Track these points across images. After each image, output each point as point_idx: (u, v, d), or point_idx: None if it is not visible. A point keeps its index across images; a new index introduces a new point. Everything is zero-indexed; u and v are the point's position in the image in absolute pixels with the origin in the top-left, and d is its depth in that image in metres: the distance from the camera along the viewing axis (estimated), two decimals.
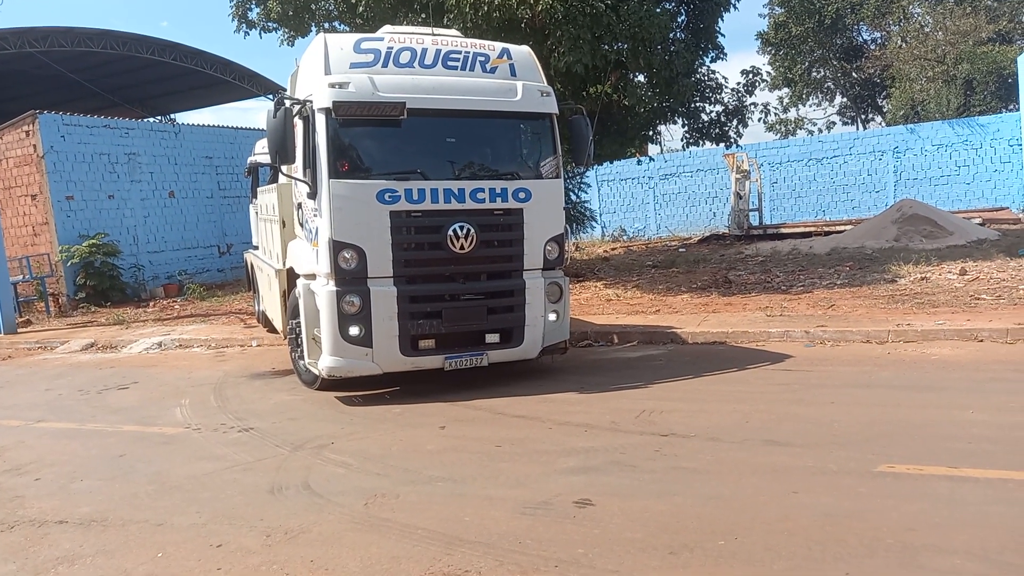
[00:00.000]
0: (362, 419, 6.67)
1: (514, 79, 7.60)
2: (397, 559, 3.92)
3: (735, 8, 14.88)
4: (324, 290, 6.95)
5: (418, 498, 4.75)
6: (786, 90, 36.15)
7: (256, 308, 12.80)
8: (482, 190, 7.25)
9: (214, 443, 6.28)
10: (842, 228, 19.30)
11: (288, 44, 16.79)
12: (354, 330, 6.91)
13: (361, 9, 15.66)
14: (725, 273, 14.03)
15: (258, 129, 23.09)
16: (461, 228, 7.06)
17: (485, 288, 7.38)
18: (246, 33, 15.92)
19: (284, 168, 7.20)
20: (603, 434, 5.79)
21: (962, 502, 4.19)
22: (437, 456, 5.56)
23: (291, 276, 8.21)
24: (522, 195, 7.40)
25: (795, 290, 11.97)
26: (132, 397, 8.36)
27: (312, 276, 7.31)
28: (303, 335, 7.40)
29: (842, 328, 8.88)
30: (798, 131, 35.96)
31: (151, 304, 16.97)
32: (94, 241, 17.06)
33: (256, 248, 12.78)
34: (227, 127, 21.73)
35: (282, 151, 6.90)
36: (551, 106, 7.65)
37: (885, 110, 35.06)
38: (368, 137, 7.22)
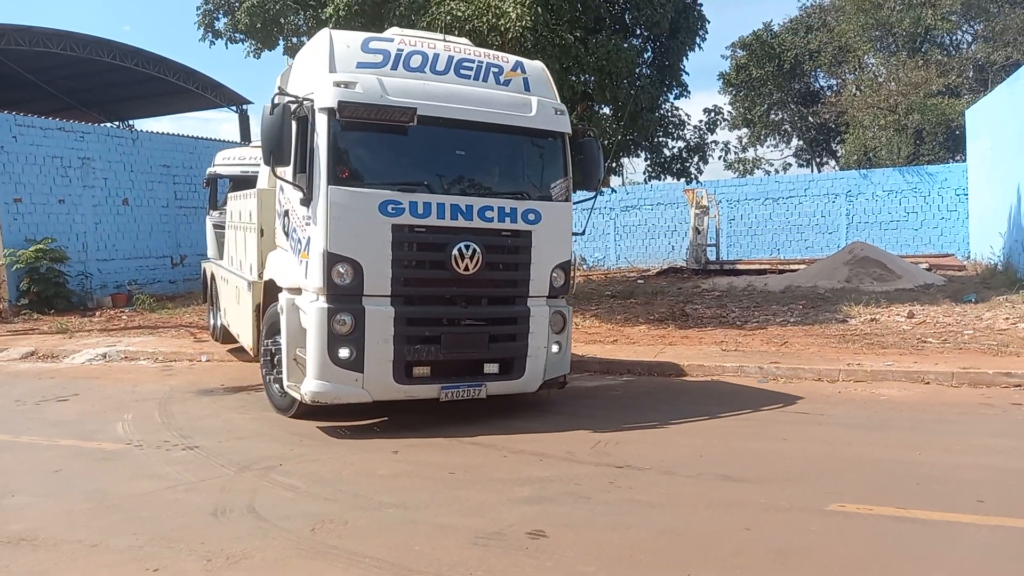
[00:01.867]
0: (312, 441, 6.50)
1: (528, 94, 7.17)
2: None
3: (700, 48, 15.23)
4: (313, 307, 6.37)
5: (368, 524, 4.63)
6: (745, 130, 37.06)
7: (211, 322, 12.34)
8: (491, 208, 6.78)
9: (156, 461, 6.05)
10: (796, 267, 19.73)
11: (255, 56, 16.65)
12: (344, 352, 6.33)
13: (332, 25, 15.63)
14: (682, 306, 14.19)
15: (219, 140, 22.77)
16: (467, 247, 6.56)
17: (488, 314, 6.89)
18: (212, 43, 15.74)
19: (278, 171, 6.59)
20: (558, 464, 5.74)
21: (910, 542, 4.24)
22: (389, 481, 5.44)
23: (269, 289, 7.69)
24: (531, 216, 6.96)
25: (750, 326, 12.15)
26: (72, 410, 8.04)
27: (297, 290, 6.77)
28: (283, 355, 6.83)
29: (795, 365, 9.02)
30: (755, 170, 36.84)
31: (97, 313, 16.43)
32: (41, 246, 16.49)
33: (218, 259, 12.46)
34: (187, 136, 21.38)
35: (277, 152, 6.38)
36: (565, 125, 7.27)
37: (839, 154, 36.14)
38: (372, 143, 6.68)
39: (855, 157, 31.60)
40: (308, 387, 6.42)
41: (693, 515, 4.69)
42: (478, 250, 6.61)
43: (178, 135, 21.22)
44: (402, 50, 6.77)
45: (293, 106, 6.48)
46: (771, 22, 35.43)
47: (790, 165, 38.25)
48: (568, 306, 7.38)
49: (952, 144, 28.13)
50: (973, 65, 30.52)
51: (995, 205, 18.53)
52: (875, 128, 29.94)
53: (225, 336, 11.08)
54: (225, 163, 14.64)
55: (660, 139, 16.18)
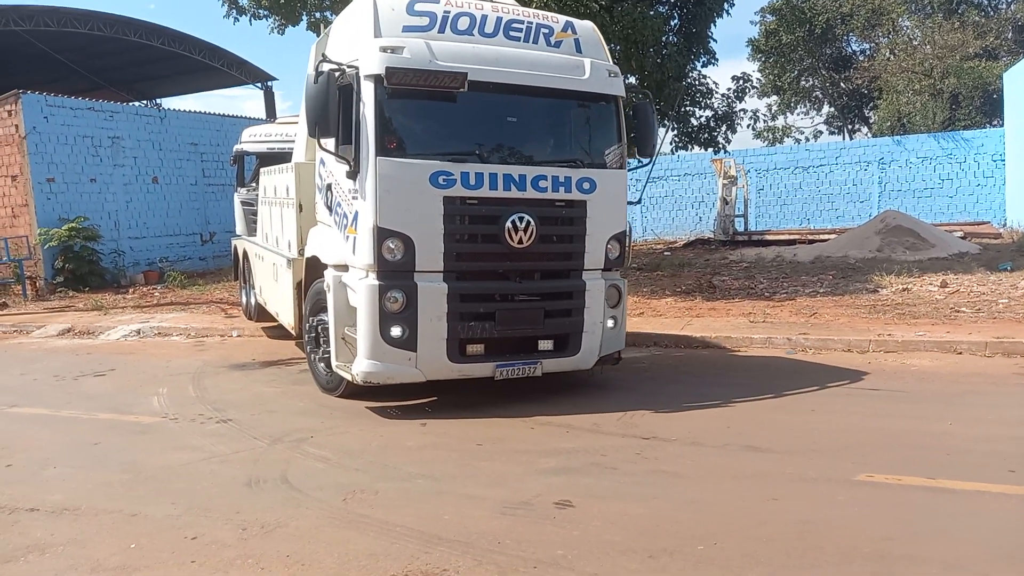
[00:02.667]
0: (341, 413, 6.60)
1: (580, 56, 6.83)
2: (375, 556, 3.88)
3: (728, 14, 14.94)
4: (363, 284, 6.15)
5: (397, 495, 4.71)
6: (775, 98, 36.40)
7: (243, 300, 12.15)
8: (544, 178, 6.49)
9: (191, 433, 6.20)
10: (826, 237, 19.44)
11: (279, 32, 16.66)
12: (396, 331, 6.12)
13: None
14: (709, 278, 14.08)
15: (244, 117, 22.90)
16: (520, 220, 6.30)
17: (542, 288, 6.66)
18: (236, 19, 15.79)
19: (323, 142, 6.30)
20: (584, 435, 5.78)
21: (939, 513, 4.22)
22: (417, 453, 5.52)
23: (311, 266, 7.40)
24: (586, 186, 6.65)
25: (778, 297, 12.03)
26: (108, 384, 8.25)
27: (344, 267, 6.55)
28: (331, 334, 6.58)
29: (824, 336, 8.93)
30: (785, 139, 36.20)
31: (130, 291, 16.76)
32: (74, 225, 16.82)
33: (248, 236, 12.56)
34: (214, 114, 21.52)
35: (323, 122, 6.14)
36: (619, 88, 6.92)
37: (872, 121, 35.38)
38: (421, 111, 6.41)
39: (888, 123, 30.91)
40: (359, 367, 6.23)
41: (719, 486, 4.71)
42: (532, 222, 6.36)
43: (205, 113, 21.38)
44: (449, 12, 6.46)
45: (337, 74, 6.17)
46: None
47: (821, 133, 37.59)
48: (623, 279, 7.19)
49: (989, 108, 27.35)
50: (1012, 26, 29.55)
51: None
52: (909, 93, 29.24)
53: (260, 314, 10.90)
54: (252, 140, 14.74)
55: (687, 108, 15.95)
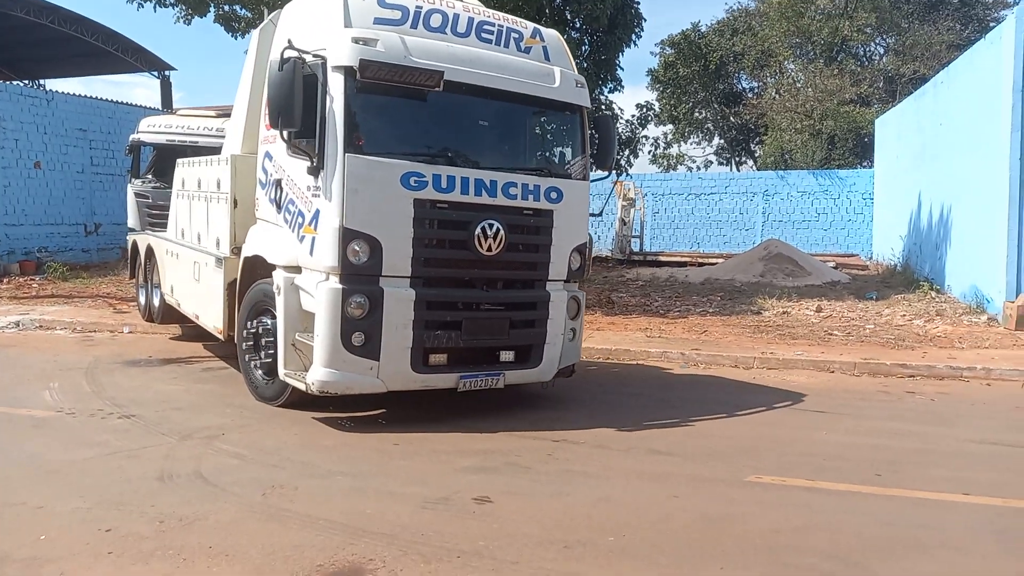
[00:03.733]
0: (253, 412, 6.54)
1: (549, 64, 6.77)
2: (300, 547, 3.94)
3: (635, 44, 15.68)
4: (323, 287, 5.80)
5: (318, 491, 4.77)
6: (670, 126, 38.13)
7: (141, 299, 11.19)
8: (514, 185, 6.34)
9: (92, 429, 5.99)
10: (714, 260, 20.60)
11: (184, 22, 16.14)
12: (358, 338, 5.80)
13: None
14: (608, 294, 14.67)
15: (142, 106, 21.90)
16: (490, 227, 6.14)
17: (509, 298, 6.51)
18: (140, 5, 15.19)
19: (285, 135, 5.93)
20: (498, 438, 6.00)
21: (819, 510, 4.70)
22: (334, 451, 5.57)
23: (250, 266, 6.98)
24: (554, 195, 6.56)
25: (672, 314, 12.71)
26: None
27: (296, 269, 6.20)
28: (280, 340, 6.21)
29: (714, 352, 9.56)
30: (679, 166, 37.96)
31: (4, 281, 15.68)
32: None
33: (141, 230, 12.03)
34: (107, 100, 20.49)
35: (287, 113, 5.76)
36: (586, 99, 6.89)
37: (757, 155, 37.66)
38: (391, 108, 6.16)
39: (772, 158, 33.01)
40: (316, 376, 5.84)
41: (626, 484, 5.04)
42: (501, 230, 6.19)
43: (97, 98, 20.34)
44: (421, 7, 6.28)
45: (301, 62, 5.81)
46: (699, 23, 36.53)
47: (711, 163, 39.62)
48: (582, 291, 7.16)
49: (861, 150, 29.77)
50: (883, 76, 32.30)
51: (897, 210, 19.82)
52: (792, 131, 31.34)
53: (165, 316, 10.18)
54: (151, 130, 14.17)
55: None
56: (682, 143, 38.62)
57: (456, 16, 6.42)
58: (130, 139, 14.53)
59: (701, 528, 4.35)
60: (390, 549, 3.95)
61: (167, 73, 23.72)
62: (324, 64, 5.84)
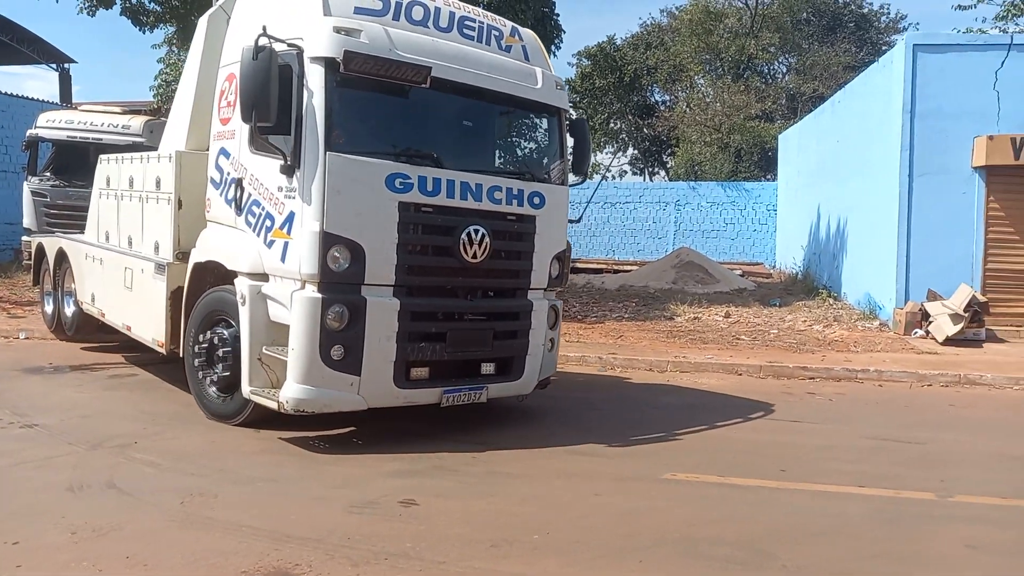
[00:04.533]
0: (168, 419, 6.36)
1: (529, 64, 6.53)
2: (224, 554, 3.89)
3: (555, 56, 16.01)
4: (300, 297, 5.39)
5: (240, 497, 4.70)
6: None
7: (48, 308, 10.18)
8: (499, 189, 6.07)
9: None
10: (629, 268, 21.17)
11: (88, 13, 15.51)
12: (338, 351, 5.40)
13: None
14: None
15: (37, 99, 20.76)
16: (476, 232, 5.85)
17: (493, 308, 6.25)
18: None
19: (256, 130, 5.55)
20: (423, 441, 6.04)
21: (731, 504, 4.96)
22: (256, 457, 5.49)
23: (200, 273, 6.47)
24: (536, 200, 6.33)
25: (589, 320, 13.02)
26: None
27: (262, 276, 5.76)
28: (244, 354, 5.72)
29: (630, 356, 9.87)
30: (594, 175, 38.77)
31: None
32: None
33: (38, 229, 11.42)
34: (1, 93, 19.30)
35: (262, 107, 5.31)
36: (565, 101, 6.68)
37: (669, 166, 38.89)
38: (375, 104, 5.81)
39: (683, 169, 34.14)
40: (290, 393, 5.39)
41: (549, 484, 5.18)
42: (486, 235, 5.90)
43: None
44: None
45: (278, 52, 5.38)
46: (615, 36, 37.54)
47: (626, 172, 40.68)
48: (559, 299, 6.98)
49: (766, 164, 31.19)
50: (786, 94, 34.00)
51: (798, 222, 20.89)
52: (701, 144, 32.53)
53: (83, 327, 9.27)
54: (51, 126, 13.55)
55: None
56: (598, 153, 39.50)
57: (438, 10, 6.10)
58: (27, 134, 13.83)
59: (621, 524, 4.53)
60: (316, 553, 3.94)
61: (67, 66, 22.59)
62: (300, 55, 5.43)
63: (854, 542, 4.36)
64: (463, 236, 5.83)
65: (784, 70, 36.12)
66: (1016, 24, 20.51)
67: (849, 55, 31.86)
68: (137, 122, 13.25)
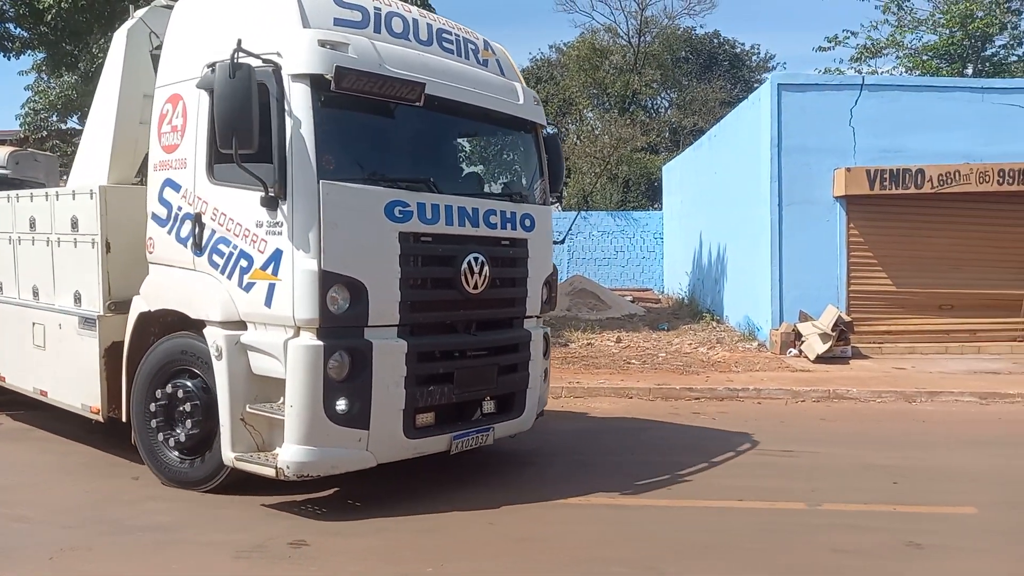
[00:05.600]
0: (44, 469, 5.98)
1: (505, 78, 6.23)
2: None
3: None
4: (298, 346, 4.81)
5: (117, 549, 4.48)
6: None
7: None
8: (494, 212, 5.73)
9: None
10: None
11: None
12: (342, 404, 4.87)
13: (50, 17, 14.22)
14: None
15: None
16: (476, 260, 5.46)
17: (496, 340, 5.86)
18: None
19: (242, 156, 4.76)
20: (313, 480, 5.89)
21: (622, 524, 5.14)
22: (137, 506, 5.24)
23: (143, 324, 5.74)
24: (527, 223, 6.03)
25: None
26: None
27: (237, 324, 5.12)
28: (223, 415, 5.04)
29: None
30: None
31: None
32: None
33: None
34: None
35: (243, 131, 4.67)
36: (543, 117, 6.39)
37: (563, 196, 39.91)
38: (364, 126, 5.37)
39: (575, 199, 35.14)
40: (291, 457, 4.80)
41: (445, 515, 5.17)
42: (485, 263, 5.55)
43: None
44: (380, 9, 5.47)
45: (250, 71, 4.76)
46: None
47: None
48: (546, 326, 6.62)
49: (652, 194, 32.56)
50: (669, 127, 35.71)
51: (683, 249, 21.90)
52: (591, 175, 33.63)
53: None
54: None
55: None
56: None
57: (415, 21, 5.67)
58: None
59: (518, 550, 4.62)
60: None
61: None
62: (278, 71, 4.87)
63: (735, 553, 4.61)
64: (463, 265, 5.43)
65: (667, 105, 37.96)
66: (868, 65, 22.52)
67: (724, 91, 33.88)
68: (1, 153, 12.44)
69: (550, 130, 6.56)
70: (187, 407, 5.36)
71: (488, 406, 5.87)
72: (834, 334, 11.84)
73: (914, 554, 4.62)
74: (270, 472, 4.90)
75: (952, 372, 11.08)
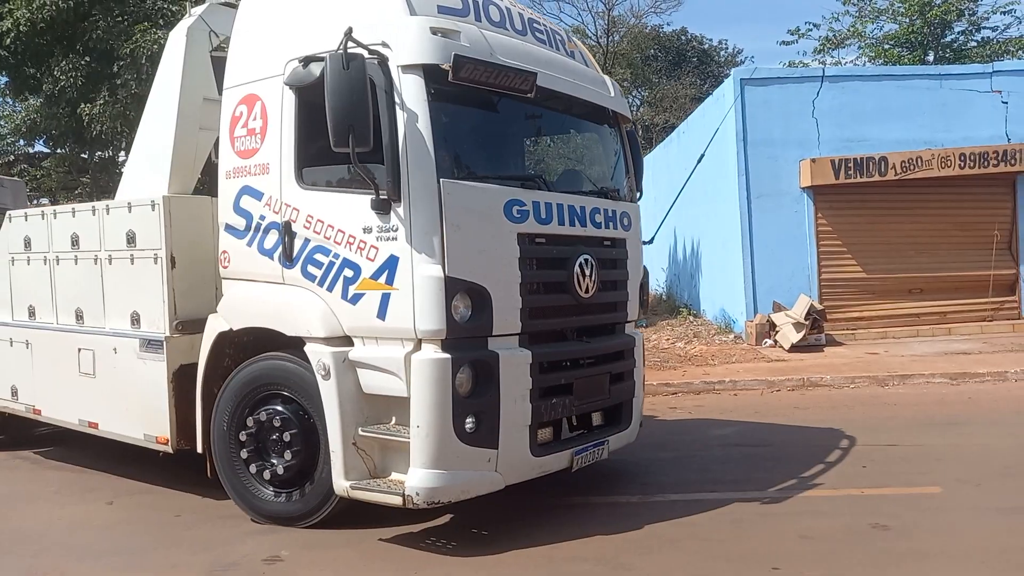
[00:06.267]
0: (7, 498, 5.92)
1: (591, 70, 5.95)
2: None
3: None
4: (423, 360, 4.45)
5: (87, 575, 4.46)
6: None
7: None
8: (599, 211, 5.42)
9: None
10: None
11: None
12: (471, 422, 4.52)
13: (9, 41, 14.13)
14: None
15: None
16: (586, 263, 5.13)
17: (607, 348, 5.54)
18: None
19: (345, 157, 4.41)
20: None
21: (589, 520, 5.16)
22: (108, 531, 5.23)
23: (222, 345, 5.31)
24: (625, 221, 5.71)
25: None
26: None
27: (342, 340, 4.77)
28: (333, 441, 4.64)
29: None
30: None
31: None
32: None
33: None
34: None
35: (360, 128, 4.31)
36: (628, 110, 6.07)
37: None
38: (475, 120, 5.09)
39: None
40: (420, 482, 4.41)
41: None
42: (595, 265, 5.23)
43: None
44: None
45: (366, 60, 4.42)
46: None
47: None
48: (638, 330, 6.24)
49: None
50: (641, 125, 35.90)
51: (659, 245, 21.99)
52: None
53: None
54: None
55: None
56: None
57: (509, 10, 5.30)
58: None
59: (490, 546, 4.63)
60: None
61: None
62: (385, 63, 4.52)
63: (700, 544, 4.67)
64: (576, 268, 5.10)
65: (638, 103, 38.19)
66: (832, 56, 22.81)
67: (694, 87, 34.14)
68: None
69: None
70: (284, 435, 4.94)
71: (597, 418, 5.61)
72: (807, 323, 11.99)
73: (879, 535, 4.71)
74: (396, 501, 4.48)
75: (923, 355, 11.27)
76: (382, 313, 4.59)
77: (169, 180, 5.80)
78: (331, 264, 4.78)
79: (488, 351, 4.64)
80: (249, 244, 5.19)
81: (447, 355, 4.45)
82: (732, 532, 4.87)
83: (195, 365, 5.42)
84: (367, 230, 4.62)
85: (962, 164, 12.63)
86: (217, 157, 5.56)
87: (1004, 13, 20.90)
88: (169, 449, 5.57)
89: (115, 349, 5.90)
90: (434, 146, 4.49)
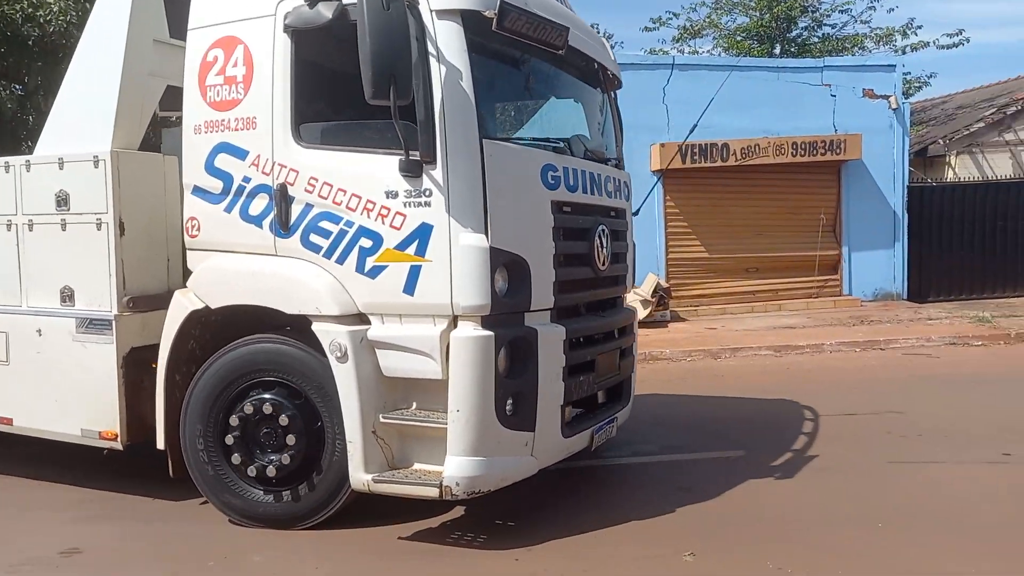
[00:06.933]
0: None
1: (591, 30, 5.66)
2: None
3: None
4: (464, 338, 4.06)
5: None
6: None
7: None
8: (611, 180, 5.16)
9: None
10: None
11: None
12: (511, 405, 4.19)
13: None
14: None
15: None
16: (603, 233, 4.89)
17: (619, 322, 5.36)
18: None
19: (397, 107, 3.88)
20: (102, 479, 5.60)
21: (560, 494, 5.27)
22: None
23: (191, 324, 4.65)
24: (626, 192, 5.52)
25: None
26: None
27: (356, 318, 4.29)
28: (351, 430, 4.19)
29: None
30: None
31: None
32: None
33: None
34: None
35: (402, 77, 3.85)
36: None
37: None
38: (507, 76, 4.71)
39: None
40: (460, 471, 4.05)
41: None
42: (608, 236, 4.98)
43: None
44: None
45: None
46: None
47: None
48: None
49: None
50: None
51: None
52: None
53: None
54: None
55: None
56: None
57: None
58: None
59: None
60: None
61: None
62: (416, 7, 4.00)
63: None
64: (596, 239, 4.84)
65: None
66: (689, 45, 23.83)
67: None
68: None
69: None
70: (279, 428, 4.41)
71: (601, 395, 5.37)
72: (654, 300, 12.60)
73: (684, 497, 5.02)
74: (431, 493, 4.10)
75: (755, 329, 12.14)
76: (410, 288, 4.15)
77: (113, 134, 4.92)
78: (342, 233, 4.27)
79: (527, 327, 4.32)
80: (228, 210, 4.56)
81: (488, 332, 4.08)
82: (685, 497, 5.09)
83: (148, 348, 4.79)
84: (391, 195, 4.14)
85: (794, 152, 13.63)
86: (164, 109, 5.05)
87: (842, 12, 22.46)
88: (118, 445, 4.89)
89: (39, 331, 5.07)
90: (476, 102, 4.10)
